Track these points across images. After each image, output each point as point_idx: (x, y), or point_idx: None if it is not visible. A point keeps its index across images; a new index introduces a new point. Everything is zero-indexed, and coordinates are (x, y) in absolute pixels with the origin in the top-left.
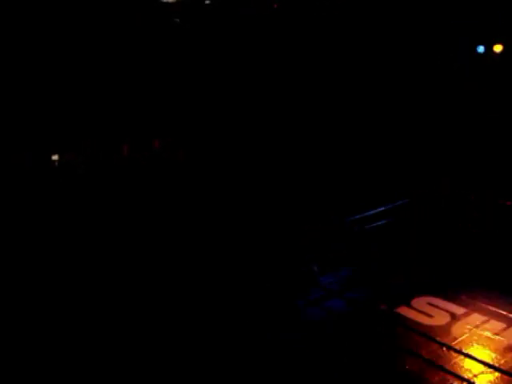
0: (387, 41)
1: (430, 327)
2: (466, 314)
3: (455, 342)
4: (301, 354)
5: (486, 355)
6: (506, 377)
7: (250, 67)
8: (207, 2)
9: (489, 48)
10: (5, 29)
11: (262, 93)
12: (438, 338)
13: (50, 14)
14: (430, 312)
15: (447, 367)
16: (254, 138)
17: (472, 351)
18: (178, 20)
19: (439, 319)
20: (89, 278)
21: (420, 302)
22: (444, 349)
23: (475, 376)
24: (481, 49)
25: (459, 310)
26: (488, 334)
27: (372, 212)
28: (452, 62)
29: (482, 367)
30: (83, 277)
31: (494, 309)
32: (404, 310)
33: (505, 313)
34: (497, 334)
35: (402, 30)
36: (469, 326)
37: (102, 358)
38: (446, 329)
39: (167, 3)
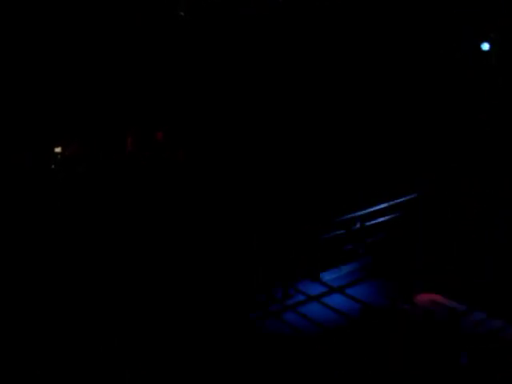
0: (388, 35)
1: (433, 323)
2: (467, 312)
3: (457, 338)
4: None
5: (488, 351)
6: None
7: (253, 64)
8: None
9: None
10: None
11: (262, 92)
12: (440, 334)
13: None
14: (432, 309)
15: (450, 361)
16: (252, 136)
17: (474, 347)
18: (183, 13)
19: (441, 316)
20: (88, 275)
21: (423, 299)
22: (447, 344)
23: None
24: (485, 46)
25: (460, 308)
26: (489, 330)
27: (374, 208)
28: (455, 51)
29: (484, 362)
30: (83, 274)
31: (494, 306)
32: (407, 307)
33: (506, 311)
34: (498, 331)
35: (403, 20)
36: (470, 323)
37: (100, 353)
38: (448, 325)
39: None
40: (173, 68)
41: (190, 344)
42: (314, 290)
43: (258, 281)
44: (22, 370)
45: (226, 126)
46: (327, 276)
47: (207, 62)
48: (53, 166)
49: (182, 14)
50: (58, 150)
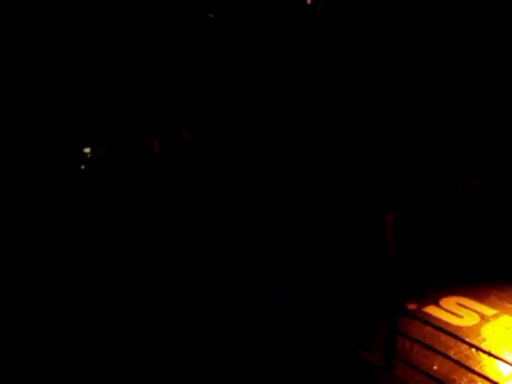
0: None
1: (459, 328)
2: (495, 316)
3: (484, 343)
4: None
5: None
6: None
7: (273, 64)
8: None
9: None
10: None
11: (291, 94)
12: (467, 339)
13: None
14: (459, 312)
15: (476, 369)
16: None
17: (502, 353)
18: (212, 15)
19: (468, 320)
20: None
21: (449, 302)
22: (473, 350)
23: (505, 379)
24: None
25: (489, 312)
26: None
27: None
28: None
29: (511, 370)
30: (92, 275)
31: None
32: (433, 310)
33: None
34: None
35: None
36: (499, 328)
37: (102, 357)
38: (475, 330)
39: None
40: (203, 69)
41: None
42: None
43: None
44: (22, 369)
45: (252, 126)
46: None
47: (237, 63)
48: (82, 167)
49: (211, 16)
50: (87, 150)
